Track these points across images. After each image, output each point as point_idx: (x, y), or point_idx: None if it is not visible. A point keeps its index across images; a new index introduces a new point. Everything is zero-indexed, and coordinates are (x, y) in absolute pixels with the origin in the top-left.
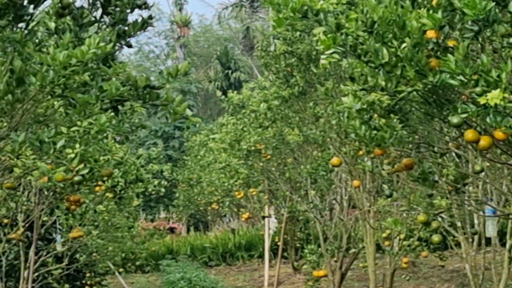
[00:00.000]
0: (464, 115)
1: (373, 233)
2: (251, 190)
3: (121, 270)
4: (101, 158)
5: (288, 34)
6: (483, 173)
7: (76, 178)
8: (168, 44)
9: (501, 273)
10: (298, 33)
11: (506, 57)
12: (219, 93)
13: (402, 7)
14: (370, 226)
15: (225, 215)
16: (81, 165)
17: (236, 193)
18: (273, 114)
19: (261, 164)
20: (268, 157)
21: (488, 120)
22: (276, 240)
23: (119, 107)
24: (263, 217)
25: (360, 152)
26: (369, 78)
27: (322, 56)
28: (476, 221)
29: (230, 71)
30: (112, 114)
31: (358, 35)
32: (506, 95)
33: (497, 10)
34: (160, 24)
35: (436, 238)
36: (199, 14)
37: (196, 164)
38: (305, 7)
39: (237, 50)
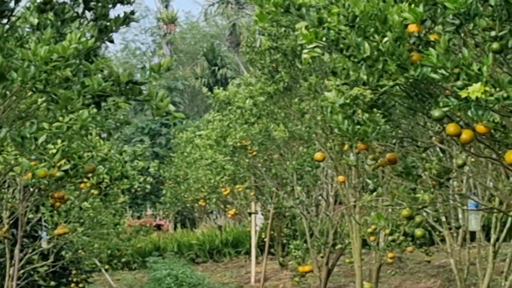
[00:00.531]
0: (446, 109)
1: (359, 228)
2: (237, 186)
3: (107, 267)
4: (85, 154)
5: (273, 29)
6: (467, 168)
7: (58, 174)
8: (155, 41)
9: (486, 268)
10: (283, 28)
11: (488, 51)
12: (205, 89)
13: (384, 1)
14: (355, 222)
15: (211, 212)
16: (63, 161)
17: (223, 189)
18: (259, 110)
19: (247, 160)
20: (254, 153)
21: (469, 113)
22: (263, 236)
23: (102, 102)
24: (250, 214)
25: (345, 147)
26: (351, 73)
27: (304, 51)
28: (460, 216)
29: (216, 68)
30: (96, 110)
31: (340, 29)
32: (487, 88)
33: (478, 4)
34: (146, 21)
35: (419, 232)
36: (186, 11)
37: (182, 161)
38: (287, 2)
39: (223, 46)
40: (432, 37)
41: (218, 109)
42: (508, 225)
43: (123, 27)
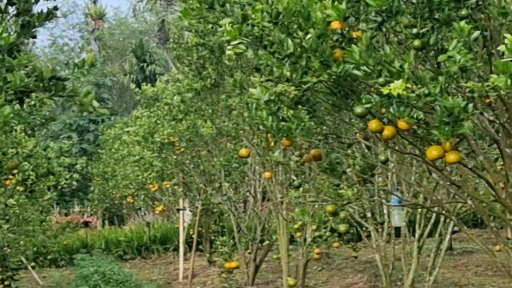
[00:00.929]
0: (368, 105)
1: (286, 224)
2: (165, 183)
3: (33, 264)
4: (10, 151)
5: (200, 26)
6: (392, 164)
7: None
8: (83, 37)
9: (411, 263)
10: (210, 25)
11: (410, 48)
12: (132, 85)
13: None
14: (282, 218)
15: (140, 209)
16: None
17: (151, 186)
18: (187, 107)
19: (175, 157)
20: (182, 149)
21: (391, 110)
22: (191, 233)
23: (26, 98)
24: (178, 210)
25: (272, 144)
26: (274, 69)
27: (228, 47)
28: (386, 212)
29: (145, 64)
30: (19, 106)
31: (263, 26)
32: (408, 85)
33: (400, 1)
34: (74, 17)
35: (342, 227)
36: (114, 7)
37: (110, 158)
38: None
39: (152, 43)
40: (355, 34)
41: (146, 106)
42: (432, 220)
43: (49, 22)
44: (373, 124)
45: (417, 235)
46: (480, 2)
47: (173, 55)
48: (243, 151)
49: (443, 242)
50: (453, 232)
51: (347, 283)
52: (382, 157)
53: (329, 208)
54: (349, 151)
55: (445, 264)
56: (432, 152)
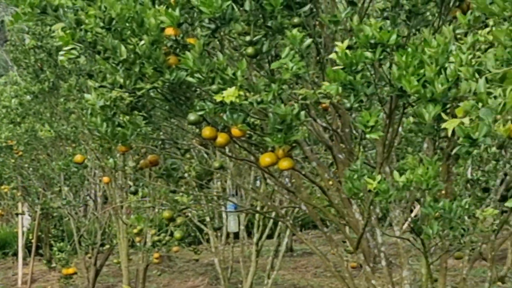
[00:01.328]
0: (201, 113)
1: (126, 229)
2: (3, 187)
3: None
4: None
5: (37, 28)
6: (230, 169)
7: None
8: None
9: (249, 265)
10: (48, 27)
11: (245, 55)
12: None
13: (141, 4)
14: (122, 222)
15: None
16: None
17: None
18: (25, 110)
19: (13, 160)
20: (20, 153)
21: (225, 117)
22: (30, 237)
23: None
24: (17, 214)
25: (112, 148)
26: (108, 75)
27: (61, 52)
28: (224, 216)
29: None
30: None
31: (97, 31)
32: (241, 92)
33: (234, 9)
34: None
35: (178, 234)
36: None
37: None
38: (44, 2)
39: None
40: (189, 41)
41: None
42: (271, 223)
43: None
44: (207, 131)
45: (255, 238)
46: (313, 10)
47: (10, 57)
48: (78, 157)
49: (282, 244)
50: (294, 234)
51: (188, 286)
52: (216, 164)
53: (166, 214)
54: (187, 156)
55: (285, 266)
56: (265, 159)
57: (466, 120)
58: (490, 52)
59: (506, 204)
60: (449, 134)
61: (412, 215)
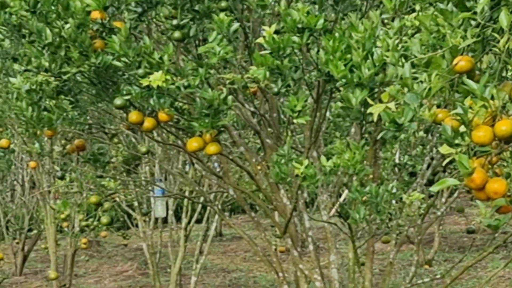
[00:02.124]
0: (128, 97)
1: (53, 214)
2: None
3: None
4: None
5: None
6: (158, 154)
7: None
8: None
9: (178, 250)
10: None
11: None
12: None
13: None
14: (50, 207)
15: None
16: None
17: None
18: None
19: None
20: None
21: (151, 102)
22: None
23: None
24: None
25: (39, 132)
26: (33, 59)
27: None
28: (152, 201)
29: None
30: None
31: (22, 15)
32: (168, 77)
33: None
34: None
35: (105, 219)
36: None
37: None
38: None
39: None
40: (116, 24)
41: None
42: (199, 209)
43: None
44: (133, 116)
45: (184, 223)
46: None
47: None
48: (2, 142)
49: (210, 228)
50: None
51: (116, 271)
52: (143, 149)
53: (93, 199)
54: (115, 141)
55: (214, 250)
56: (192, 143)
57: (391, 105)
58: (416, 37)
59: (431, 188)
60: (375, 119)
61: (341, 199)
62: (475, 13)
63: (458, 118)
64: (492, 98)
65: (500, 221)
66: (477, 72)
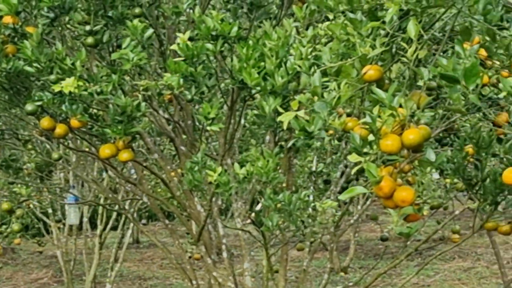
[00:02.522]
0: (39, 103)
1: None
2: None
3: None
4: None
5: None
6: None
7: None
8: None
9: (93, 257)
10: None
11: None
12: None
13: None
14: None
15: None
16: None
17: None
18: None
19: None
20: None
21: (64, 108)
22: None
23: None
24: None
25: None
26: None
27: None
28: (66, 207)
29: None
30: None
31: None
32: (80, 83)
33: None
34: None
35: (16, 226)
36: None
37: None
38: None
39: None
40: (28, 29)
41: None
42: (114, 216)
43: None
44: (45, 122)
45: (98, 230)
46: (155, 0)
47: None
48: None
49: (126, 235)
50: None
51: (31, 278)
52: (55, 156)
53: (5, 205)
54: (28, 147)
55: (131, 258)
56: (105, 150)
57: (301, 113)
58: (327, 46)
59: (340, 197)
60: (285, 127)
61: (258, 207)
62: (384, 22)
63: (367, 126)
64: (401, 107)
65: (412, 229)
66: (386, 81)
